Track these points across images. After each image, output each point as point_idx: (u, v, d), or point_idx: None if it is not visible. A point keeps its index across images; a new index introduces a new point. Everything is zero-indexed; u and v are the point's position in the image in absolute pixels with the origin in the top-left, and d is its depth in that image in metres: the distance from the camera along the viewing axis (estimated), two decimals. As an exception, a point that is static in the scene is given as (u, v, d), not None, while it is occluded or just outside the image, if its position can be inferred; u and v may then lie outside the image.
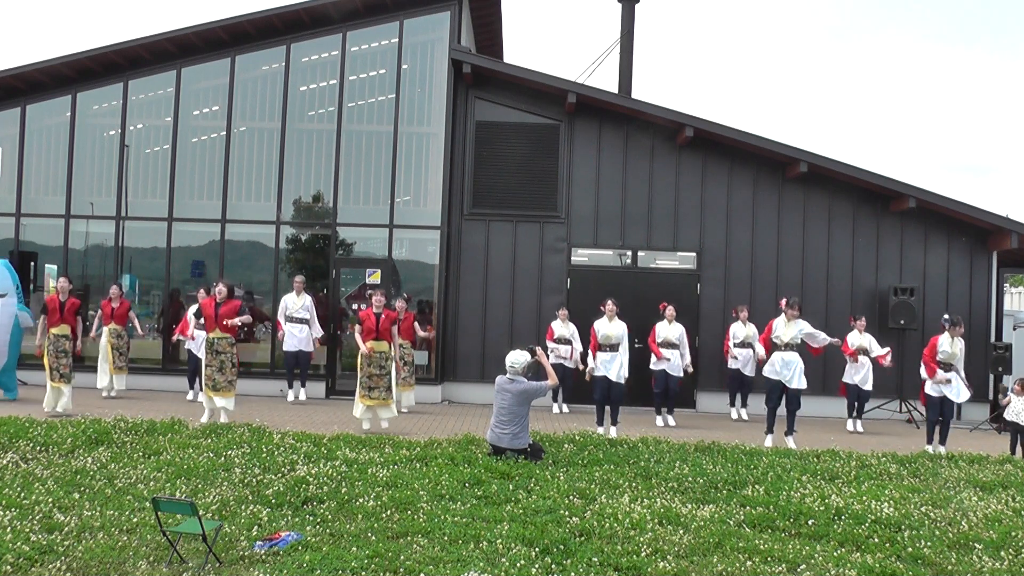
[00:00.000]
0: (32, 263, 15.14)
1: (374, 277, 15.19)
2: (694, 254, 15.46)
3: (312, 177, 15.58)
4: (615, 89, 19.77)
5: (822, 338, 11.62)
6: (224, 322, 10.85)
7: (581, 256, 15.46)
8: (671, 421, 13.10)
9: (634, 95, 20.09)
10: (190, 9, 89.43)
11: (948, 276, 15.52)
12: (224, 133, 15.52)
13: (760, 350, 12.08)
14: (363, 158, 15.56)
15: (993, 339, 15.34)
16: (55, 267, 15.52)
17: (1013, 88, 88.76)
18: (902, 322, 14.66)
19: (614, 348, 12.01)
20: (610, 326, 12.05)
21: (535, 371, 9.61)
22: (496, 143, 15.47)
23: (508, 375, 9.27)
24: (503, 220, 15.40)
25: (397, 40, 15.44)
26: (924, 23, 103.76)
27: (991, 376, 15.14)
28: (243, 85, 15.64)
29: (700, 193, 15.49)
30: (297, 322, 13.87)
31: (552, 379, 9.37)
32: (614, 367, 11.69)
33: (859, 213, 15.53)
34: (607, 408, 11.78)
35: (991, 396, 15.28)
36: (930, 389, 11.55)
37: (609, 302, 12.38)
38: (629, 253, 15.49)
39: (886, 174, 15.18)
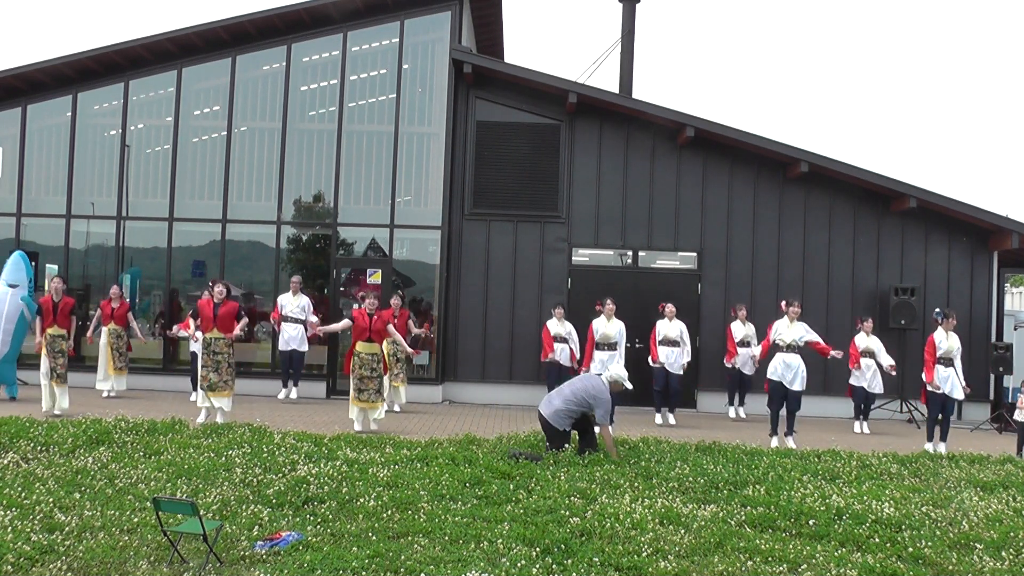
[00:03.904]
0: (33, 263, 15.13)
1: (375, 277, 15.19)
2: (695, 254, 15.45)
3: (313, 177, 15.58)
4: (616, 89, 19.77)
5: (823, 345, 11.57)
6: (231, 334, 10.90)
7: (582, 256, 15.46)
8: (671, 420, 13.09)
9: (635, 95, 20.09)
10: (191, 9, 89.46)
11: (949, 276, 15.51)
12: (225, 133, 15.52)
13: (757, 352, 12.06)
14: (364, 158, 15.56)
15: (994, 339, 15.33)
16: (56, 267, 15.53)
17: (1013, 86, 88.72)
18: (903, 322, 14.66)
19: (612, 347, 11.99)
20: (608, 325, 12.03)
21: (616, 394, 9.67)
22: (497, 143, 15.47)
23: (606, 378, 9.43)
24: (504, 220, 15.40)
25: (398, 40, 15.44)
26: (924, 22, 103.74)
27: (992, 376, 15.13)
28: (244, 85, 15.64)
29: (701, 193, 15.48)
30: (293, 322, 13.89)
31: (608, 438, 9.22)
32: (612, 366, 11.66)
33: (860, 213, 15.53)
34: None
35: (992, 396, 15.27)
36: (933, 387, 11.53)
37: (608, 301, 12.34)
38: (630, 253, 15.49)
39: (887, 174, 15.19)
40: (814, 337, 11.48)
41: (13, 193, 15.61)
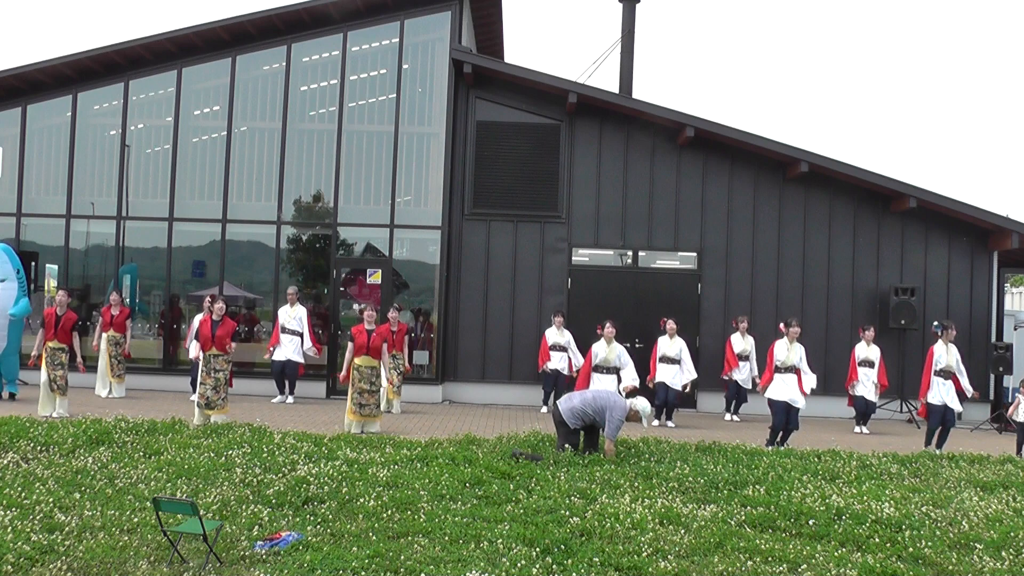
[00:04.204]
0: (33, 263, 15.13)
1: (374, 277, 15.19)
2: (695, 254, 15.45)
3: (313, 177, 15.58)
4: (616, 89, 19.75)
5: (811, 379, 11.44)
6: (226, 347, 11.00)
7: (582, 256, 15.46)
8: (670, 424, 13.07)
9: (635, 95, 20.07)
10: (191, 9, 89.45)
11: (949, 276, 15.51)
12: (225, 133, 15.51)
13: (759, 382, 11.92)
14: (364, 158, 15.55)
15: (994, 339, 15.33)
16: (56, 267, 15.52)
17: (1013, 86, 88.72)
18: (903, 322, 14.66)
19: (611, 371, 11.84)
20: (609, 349, 11.85)
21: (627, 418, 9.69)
22: (497, 143, 15.46)
23: (630, 403, 9.44)
24: (504, 220, 15.40)
25: (398, 40, 15.44)
26: (924, 22, 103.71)
27: (992, 376, 15.13)
28: (244, 85, 15.63)
29: (701, 193, 15.48)
30: (290, 333, 13.84)
31: (610, 452, 9.31)
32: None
33: (860, 213, 15.52)
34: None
35: (992, 396, 15.27)
36: (931, 398, 11.53)
37: (608, 324, 12.11)
38: (630, 253, 15.49)
39: (887, 174, 15.19)
40: (804, 365, 11.40)
41: (13, 193, 15.60)
